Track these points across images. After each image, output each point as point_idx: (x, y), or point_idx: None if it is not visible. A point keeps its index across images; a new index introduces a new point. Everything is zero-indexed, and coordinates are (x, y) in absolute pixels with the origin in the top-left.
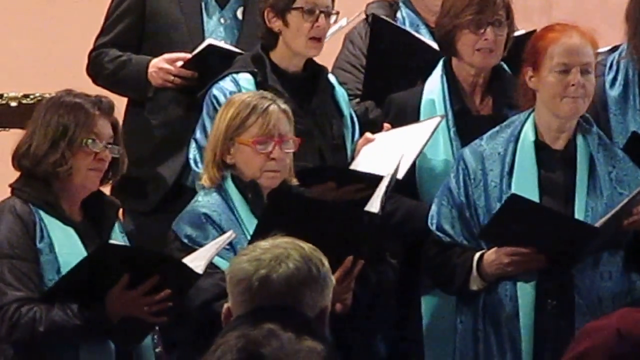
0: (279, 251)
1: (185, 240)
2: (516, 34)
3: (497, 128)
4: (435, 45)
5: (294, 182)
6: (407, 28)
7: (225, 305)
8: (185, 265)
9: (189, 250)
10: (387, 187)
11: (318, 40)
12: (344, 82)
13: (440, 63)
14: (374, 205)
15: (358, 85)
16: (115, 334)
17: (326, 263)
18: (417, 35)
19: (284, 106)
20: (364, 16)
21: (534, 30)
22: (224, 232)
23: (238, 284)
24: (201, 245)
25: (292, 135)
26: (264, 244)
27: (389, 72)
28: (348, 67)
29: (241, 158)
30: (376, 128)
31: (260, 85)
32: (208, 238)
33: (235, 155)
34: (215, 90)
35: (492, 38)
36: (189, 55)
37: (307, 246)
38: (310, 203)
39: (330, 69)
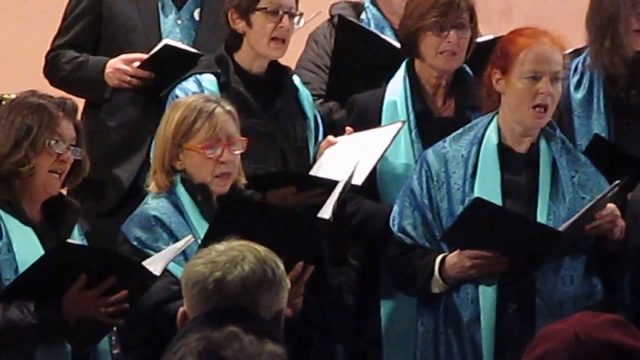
0: (234, 254)
1: (135, 243)
2: (480, 39)
3: (460, 130)
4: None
5: (243, 180)
6: (372, 30)
7: (181, 309)
8: (142, 267)
9: (139, 252)
10: (341, 193)
11: (282, 41)
12: (307, 82)
13: (403, 65)
14: (326, 211)
15: (322, 85)
16: (72, 334)
17: (281, 266)
18: (382, 36)
19: (228, 107)
20: (324, 17)
21: (497, 38)
22: (173, 235)
23: (193, 287)
24: (151, 248)
25: (239, 136)
26: (219, 246)
27: (354, 73)
28: (312, 67)
29: (191, 164)
30: (340, 129)
31: (223, 86)
32: (158, 241)
33: (185, 161)
34: (178, 91)
35: (455, 41)
36: (145, 56)
37: (262, 249)
38: (260, 207)
39: (293, 69)
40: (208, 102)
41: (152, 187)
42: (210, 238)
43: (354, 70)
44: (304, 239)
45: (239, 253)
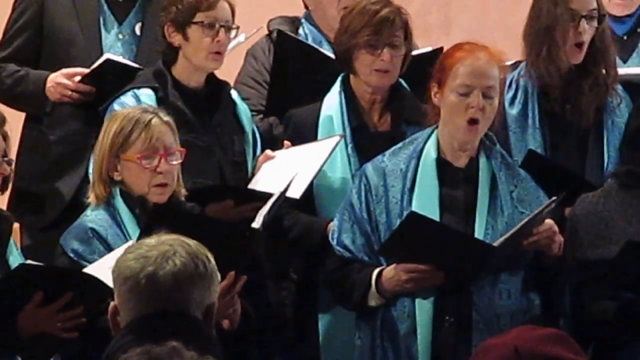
0: (165, 248)
1: (72, 255)
2: (418, 52)
3: (400, 144)
4: None
5: (183, 192)
6: (311, 44)
7: (112, 303)
8: (99, 281)
9: (75, 264)
10: (274, 204)
11: (218, 54)
12: (247, 98)
13: (339, 79)
14: (256, 221)
15: (261, 101)
16: (25, 349)
17: (212, 259)
18: (322, 50)
19: (166, 118)
20: (264, 32)
21: (437, 50)
22: (110, 247)
23: (125, 282)
24: (87, 260)
25: (177, 146)
26: (150, 241)
27: (294, 88)
28: (251, 83)
29: (128, 175)
30: (280, 144)
31: (161, 100)
32: (94, 253)
33: (123, 172)
34: (116, 105)
35: (388, 59)
36: (86, 70)
37: (192, 243)
38: (191, 217)
39: (231, 84)
40: (145, 112)
41: (91, 198)
42: None
43: (294, 85)
44: (234, 249)
45: (170, 247)
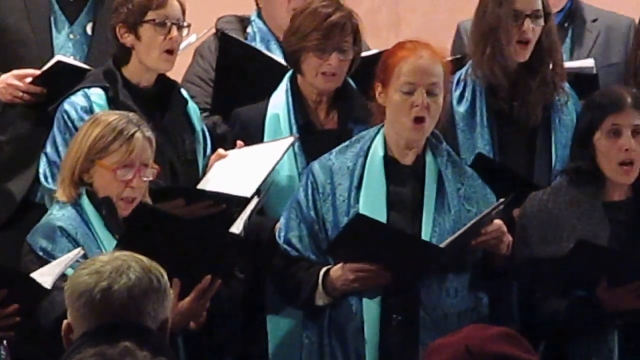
0: (118, 263)
1: (40, 253)
2: (366, 53)
3: (346, 143)
4: (284, 62)
5: (148, 202)
6: (258, 43)
7: (65, 321)
8: (33, 280)
9: (44, 262)
10: (253, 210)
11: (171, 53)
12: (192, 96)
13: (286, 78)
14: (236, 226)
15: (207, 99)
16: None
17: (165, 275)
18: (265, 52)
19: (148, 134)
20: (213, 31)
21: (383, 52)
22: (79, 246)
23: (79, 298)
24: (56, 258)
25: (152, 163)
26: (103, 257)
27: (238, 88)
28: (197, 81)
29: (100, 180)
30: (225, 143)
31: (111, 100)
32: (63, 251)
33: (94, 176)
34: (66, 105)
35: (335, 64)
36: (38, 72)
37: (145, 258)
38: (172, 220)
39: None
40: (129, 124)
41: (59, 194)
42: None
43: (239, 85)
44: (214, 252)
45: (124, 262)
